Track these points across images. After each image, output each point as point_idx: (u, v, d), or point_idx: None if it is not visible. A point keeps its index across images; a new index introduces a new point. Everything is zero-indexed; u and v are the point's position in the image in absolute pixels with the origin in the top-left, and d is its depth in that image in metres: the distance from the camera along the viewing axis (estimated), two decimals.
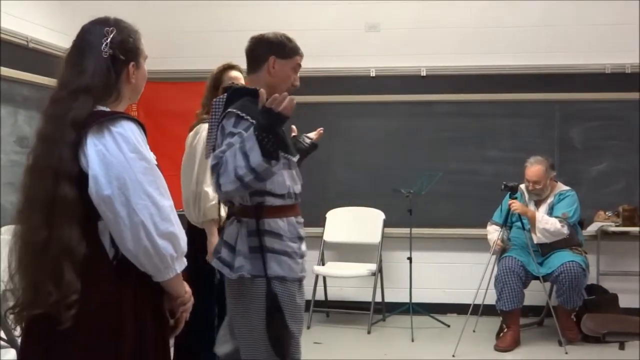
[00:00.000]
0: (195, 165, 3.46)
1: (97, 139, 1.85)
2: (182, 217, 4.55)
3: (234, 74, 3.58)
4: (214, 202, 3.40)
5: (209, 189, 3.38)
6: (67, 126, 1.86)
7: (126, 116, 1.92)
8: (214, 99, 2.81)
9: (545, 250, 5.10)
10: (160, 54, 5.93)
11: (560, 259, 4.99)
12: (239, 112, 2.58)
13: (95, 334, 1.85)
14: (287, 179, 2.70)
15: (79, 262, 1.82)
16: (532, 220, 5.03)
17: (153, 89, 5.82)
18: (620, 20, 5.66)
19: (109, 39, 1.96)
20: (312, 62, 5.88)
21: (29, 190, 1.89)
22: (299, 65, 2.85)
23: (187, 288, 2.06)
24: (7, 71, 4.32)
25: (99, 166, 1.82)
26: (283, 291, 2.61)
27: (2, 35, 4.29)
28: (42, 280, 1.83)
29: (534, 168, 5.12)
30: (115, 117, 1.89)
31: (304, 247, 2.76)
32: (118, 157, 1.83)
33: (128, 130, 1.88)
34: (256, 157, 2.39)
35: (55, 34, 4.74)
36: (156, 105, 5.73)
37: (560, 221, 4.99)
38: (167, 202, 1.89)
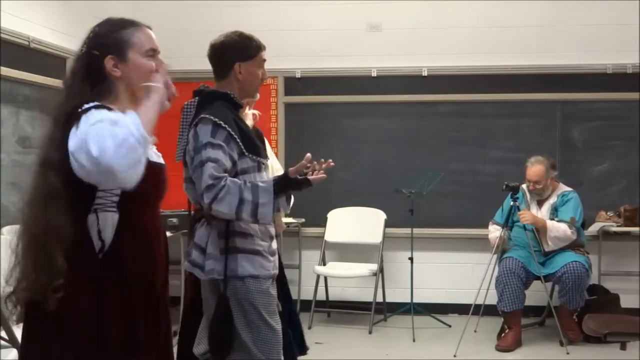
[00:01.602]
0: None
1: (75, 127, 1.82)
2: (184, 217, 4.56)
3: None
4: None
5: None
6: (53, 123, 1.91)
7: (100, 106, 1.89)
8: (185, 102, 2.82)
9: (547, 249, 5.09)
10: (161, 54, 5.95)
11: (564, 259, 4.99)
12: (215, 120, 2.60)
13: (79, 320, 1.87)
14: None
15: (67, 248, 1.85)
16: (544, 230, 5.01)
17: None
18: (622, 21, 5.66)
19: (88, 38, 1.99)
20: (313, 62, 5.98)
21: (30, 185, 1.92)
22: (264, 60, 2.86)
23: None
24: (8, 71, 4.32)
25: (72, 141, 1.79)
26: (258, 289, 2.65)
27: (3, 36, 4.29)
28: (34, 265, 1.87)
29: (535, 168, 5.12)
30: (90, 107, 1.86)
31: (274, 244, 2.79)
32: (84, 126, 1.79)
33: (96, 111, 1.85)
34: (267, 214, 2.55)
35: (57, 34, 4.74)
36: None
37: (569, 226, 5.00)
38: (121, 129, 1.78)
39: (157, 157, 2.05)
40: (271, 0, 5.96)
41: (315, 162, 2.67)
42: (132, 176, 1.75)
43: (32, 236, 1.89)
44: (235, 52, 2.78)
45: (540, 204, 5.22)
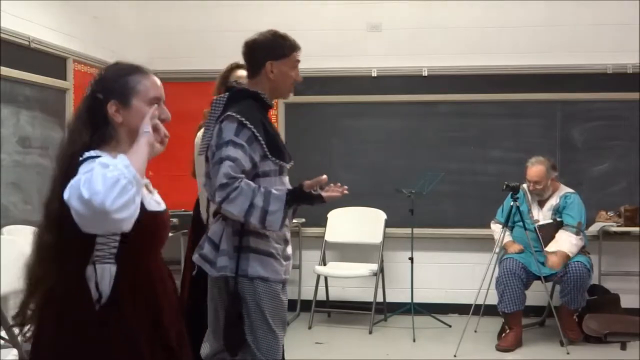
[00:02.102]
0: (204, 165, 3.45)
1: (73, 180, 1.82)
2: (184, 217, 4.56)
3: (241, 72, 3.59)
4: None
5: None
6: (56, 164, 1.94)
7: (98, 157, 1.88)
8: (215, 97, 2.81)
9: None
10: (161, 54, 5.96)
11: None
12: (242, 119, 2.59)
13: None
14: (278, 184, 2.70)
15: (52, 261, 1.90)
16: (567, 259, 4.99)
17: None
18: (622, 21, 5.66)
19: (95, 80, 2.00)
20: (313, 62, 5.94)
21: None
22: (298, 61, 2.84)
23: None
24: (8, 71, 4.32)
25: (66, 190, 1.76)
26: (266, 292, 2.63)
27: (4, 36, 4.29)
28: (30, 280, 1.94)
29: (535, 168, 5.12)
30: (89, 157, 1.87)
31: (289, 250, 2.77)
32: (78, 175, 1.78)
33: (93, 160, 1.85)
34: (275, 222, 2.56)
35: (57, 34, 4.74)
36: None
37: (577, 233, 5.01)
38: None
39: (157, 205, 2.02)
40: (271, 0, 5.96)
41: (332, 184, 2.75)
42: (127, 217, 1.73)
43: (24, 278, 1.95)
44: (268, 50, 2.76)
45: (541, 204, 5.22)
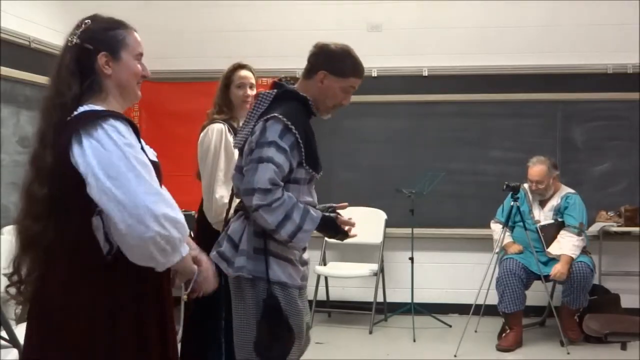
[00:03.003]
0: (208, 167, 3.44)
1: (91, 137, 1.83)
2: (187, 218, 4.56)
3: (244, 73, 3.60)
4: (225, 204, 3.37)
5: (220, 194, 3.36)
6: (46, 122, 1.91)
7: (115, 114, 1.90)
8: (261, 92, 2.76)
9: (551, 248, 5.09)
10: (162, 54, 5.95)
11: None
12: (288, 123, 2.54)
13: (87, 326, 1.86)
14: (305, 193, 2.66)
15: (40, 250, 1.88)
16: (571, 262, 4.96)
17: (155, 89, 5.87)
18: (622, 21, 5.66)
19: (80, 30, 1.97)
20: None
21: (22, 186, 1.93)
22: (353, 87, 2.77)
23: (201, 261, 2.07)
24: (9, 71, 4.32)
25: (97, 162, 1.80)
26: (284, 297, 2.56)
27: (4, 36, 4.30)
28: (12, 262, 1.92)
29: (536, 168, 5.12)
30: (105, 114, 1.88)
31: (306, 255, 2.74)
32: (115, 151, 1.81)
33: (118, 127, 1.86)
34: (303, 240, 2.53)
35: (57, 34, 4.73)
36: (158, 105, 5.73)
37: (578, 234, 5.01)
38: (166, 191, 1.89)
39: (153, 156, 2.03)
40: (271, 1, 5.96)
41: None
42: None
43: (16, 235, 1.92)
44: (329, 60, 2.72)
45: (542, 204, 5.21)
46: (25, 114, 4.50)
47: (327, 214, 2.67)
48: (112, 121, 1.86)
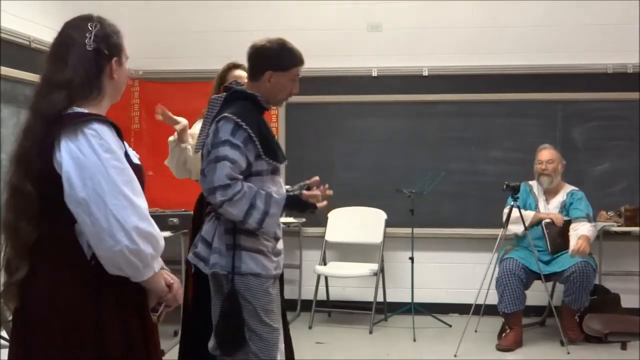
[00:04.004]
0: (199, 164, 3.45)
1: (71, 141, 1.84)
2: (184, 217, 4.56)
3: (238, 72, 3.60)
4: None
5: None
6: (37, 119, 1.90)
7: (100, 118, 1.90)
8: (213, 97, 2.89)
9: (554, 248, 5.09)
10: (162, 54, 5.96)
11: (572, 259, 4.98)
12: (238, 120, 2.67)
13: (72, 331, 1.85)
14: (269, 183, 2.78)
15: (24, 246, 1.86)
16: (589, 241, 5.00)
17: (155, 89, 5.88)
18: (622, 20, 5.66)
19: (93, 34, 1.97)
20: (313, 62, 5.85)
21: (7, 182, 1.92)
22: (298, 76, 2.90)
23: (170, 281, 2.03)
24: (9, 71, 4.32)
25: (73, 168, 1.81)
26: (258, 287, 2.71)
27: (4, 35, 4.30)
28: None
29: (547, 150, 5.24)
30: (88, 119, 1.87)
31: (279, 245, 2.85)
32: (92, 158, 1.82)
33: (101, 131, 1.86)
34: (271, 225, 2.71)
35: (57, 34, 4.73)
36: (158, 104, 5.72)
37: (589, 221, 5.09)
38: (143, 203, 1.88)
39: (136, 158, 2.03)
40: (271, 1, 5.96)
41: (316, 188, 2.87)
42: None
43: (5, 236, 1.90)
44: (271, 60, 2.82)
45: (548, 200, 5.24)
46: (26, 114, 4.50)
47: (293, 192, 2.84)
48: (95, 125, 1.86)
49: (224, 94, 2.86)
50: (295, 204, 2.79)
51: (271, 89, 2.83)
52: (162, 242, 1.91)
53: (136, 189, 1.87)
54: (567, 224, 5.11)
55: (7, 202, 1.90)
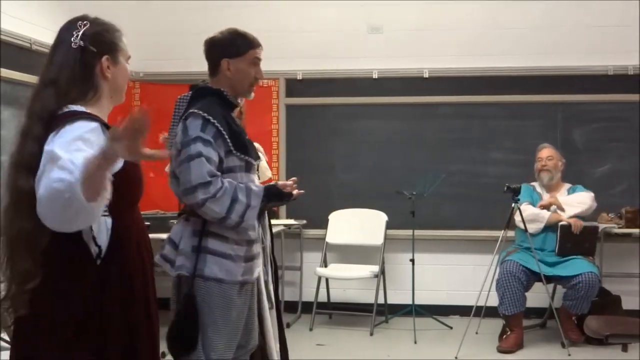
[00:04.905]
0: None
1: (55, 134, 1.81)
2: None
3: None
4: None
5: None
6: (33, 120, 1.88)
7: (89, 117, 1.87)
8: (178, 96, 2.85)
9: (562, 252, 5.08)
10: (162, 56, 5.97)
11: (580, 266, 4.98)
12: (205, 115, 2.60)
13: (79, 331, 1.85)
14: (245, 180, 2.71)
15: (38, 252, 1.82)
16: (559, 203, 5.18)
17: (155, 90, 5.89)
18: (623, 22, 5.66)
19: (80, 32, 1.96)
20: (314, 63, 5.98)
21: (6, 184, 1.90)
22: (258, 59, 2.80)
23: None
24: (10, 73, 4.32)
25: (46, 150, 1.77)
26: (219, 293, 2.61)
27: (5, 38, 4.30)
28: (5, 272, 1.87)
29: (547, 148, 5.32)
30: (76, 117, 1.85)
31: (255, 249, 2.76)
32: (58, 143, 1.77)
33: (90, 124, 1.83)
34: (253, 217, 2.63)
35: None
36: (159, 106, 5.71)
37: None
38: (66, 155, 1.72)
39: None
40: (272, 1, 5.96)
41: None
42: (79, 225, 1.75)
43: (4, 241, 1.87)
44: (223, 48, 2.78)
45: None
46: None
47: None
48: (79, 122, 1.84)
49: (190, 92, 2.81)
50: (273, 195, 2.71)
51: (233, 78, 2.75)
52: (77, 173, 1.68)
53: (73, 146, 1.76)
54: (584, 230, 5.11)
55: (14, 208, 1.84)
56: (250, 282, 2.73)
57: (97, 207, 1.70)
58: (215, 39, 2.82)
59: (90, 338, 1.86)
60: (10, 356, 1.95)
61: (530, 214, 5.10)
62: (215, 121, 2.60)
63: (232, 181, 2.61)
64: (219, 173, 2.59)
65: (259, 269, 2.81)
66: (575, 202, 5.17)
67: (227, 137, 2.61)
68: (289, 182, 2.78)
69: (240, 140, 2.68)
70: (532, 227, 5.06)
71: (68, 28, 1.99)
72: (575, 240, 5.09)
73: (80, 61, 1.95)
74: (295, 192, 2.76)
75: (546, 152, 5.29)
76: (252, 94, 2.91)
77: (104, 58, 1.97)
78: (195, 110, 2.62)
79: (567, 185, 5.34)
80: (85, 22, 1.99)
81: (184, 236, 2.65)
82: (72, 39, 1.96)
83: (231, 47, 2.76)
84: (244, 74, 2.77)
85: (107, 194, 1.72)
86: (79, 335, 1.85)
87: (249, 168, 2.74)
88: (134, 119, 1.59)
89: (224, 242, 2.63)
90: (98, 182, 1.65)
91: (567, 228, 5.08)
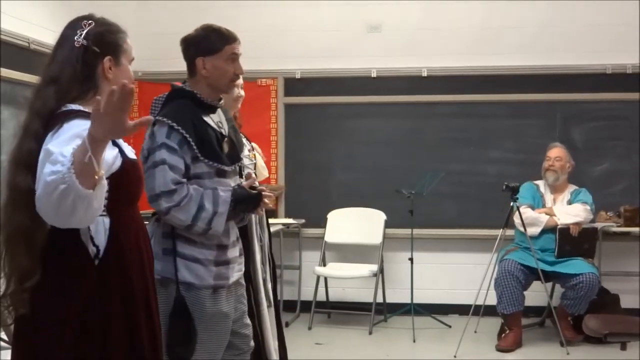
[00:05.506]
0: None
1: (53, 133, 1.81)
2: None
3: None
4: None
5: None
6: (33, 116, 1.88)
7: (85, 115, 1.84)
8: (154, 97, 2.79)
9: (561, 255, 5.08)
10: (162, 55, 5.93)
11: (580, 267, 4.99)
12: (169, 122, 2.53)
13: (80, 331, 1.85)
14: (215, 186, 2.62)
15: (37, 249, 1.81)
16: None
17: (155, 90, 5.85)
18: (621, 21, 5.66)
19: (84, 31, 1.96)
20: (313, 62, 5.98)
21: (5, 180, 1.89)
22: (235, 54, 2.69)
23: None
24: (9, 72, 4.32)
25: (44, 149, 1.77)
26: (190, 298, 2.55)
27: (4, 37, 4.30)
28: (4, 270, 1.86)
29: (557, 148, 5.31)
30: (73, 115, 1.85)
31: (231, 253, 2.68)
32: (56, 141, 1.76)
33: (75, 124, 1.81)
34: (221, 224, 2.53)
35: (57, 35, 4.74)
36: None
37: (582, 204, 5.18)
38: (57, 149, 1.70)
39: (132, 154, 2.01)
40: (272, 1, 5.96)
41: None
42: (76, 222, 1.71)
43: (3, 237, 1.86)
44: (197, 46, 2.68)
45: (555, 199, 5.29)
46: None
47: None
48: (75, 120, 1.84)
49: (165, 93, 2.74)
50: (243, 197, 2.60)
51: (210, 76, 2.64)
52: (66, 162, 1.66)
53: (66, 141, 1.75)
54: (583, 232, 5.12)
55: (13, 204, 1.83)
56: (224, 287, 2.63)
57: (94, 197, 1.67)
58: (189, 37, 2.72)
59: (91, 338, 1.86)
60: (12, 356, 1.94)
61: (529, 217, 5.11)
62: (179, 127, 2.52)
63: (198, 188, 2.53)
64: (184, 180, 2.52)
65: (238, 274, 2.73)
66: (571, 214, 5.14)
67: (193, 143, 2.53)
68: (252, 181, 2.69)
69: (209, 146, 2.58)
70: (531, 231, 5.07)
71: (72, 26, 1.99)
72: (574, 242, 5.09)
73: (83, 60, 1.94)
74: (265, 193, 2.66)
75: (555, 152, 5.28)
76: (237, 90, 2.88)
77: (106, 59, 1.97)
78: (160, 118, 2.55)
79: (572, 187, 5.32)
80: (90, 21, 1.99)
81: (155, 238, 2.57)
82: (76, 38, 1.95)
83: (205, 44, 2.66)
84: (221, 71, 2.66)
85: (105, 186, 1.71)
86: (80, 335, 1.85)
87: (221, 174, 2.63)
88: (112, 95, 1.58)
89: (193, 245, 2.57)
90: (90, 167, 1.63)
91: (565, 230, 5.08)
